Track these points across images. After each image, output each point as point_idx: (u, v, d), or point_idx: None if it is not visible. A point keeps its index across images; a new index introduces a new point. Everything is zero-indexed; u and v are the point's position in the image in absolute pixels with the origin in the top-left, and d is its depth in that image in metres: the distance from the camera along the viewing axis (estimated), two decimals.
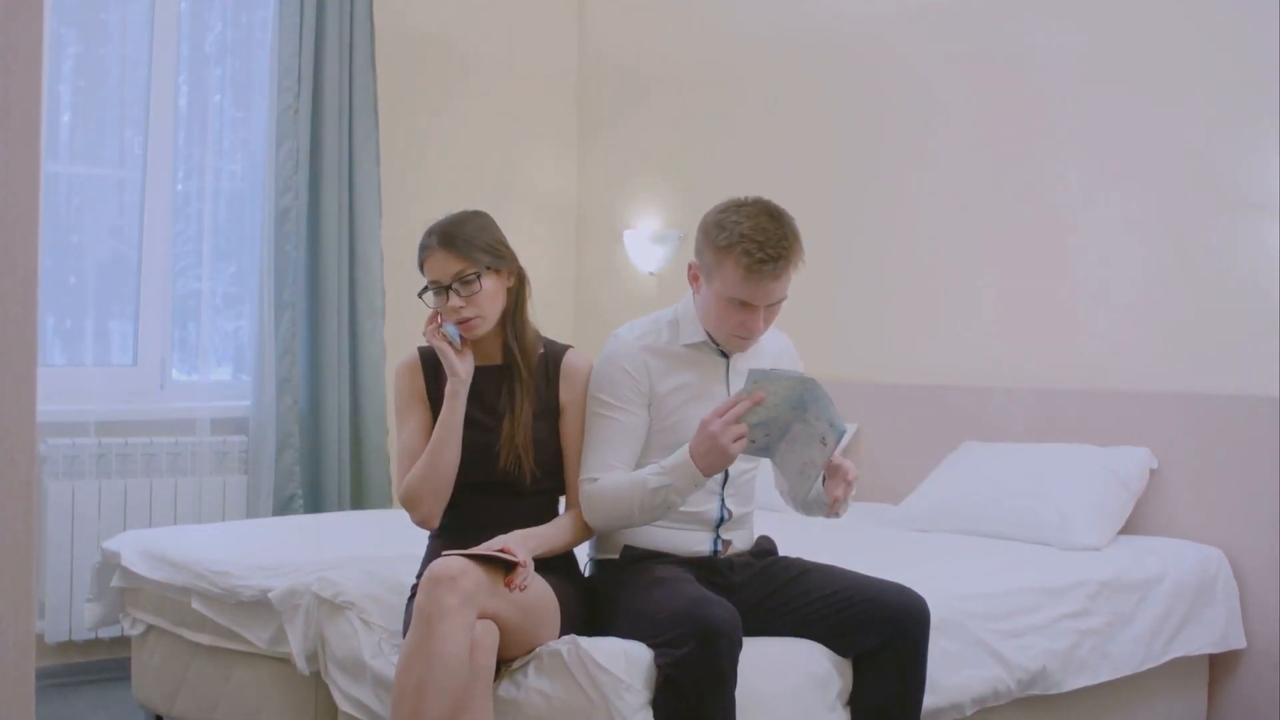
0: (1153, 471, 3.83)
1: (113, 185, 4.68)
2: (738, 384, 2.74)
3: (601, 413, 2.71)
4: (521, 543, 2.51)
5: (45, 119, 4.39)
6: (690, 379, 2.73)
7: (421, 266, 2.73)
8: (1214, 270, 3.82)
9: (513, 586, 2.41)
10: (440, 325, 2.65)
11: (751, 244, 2.56)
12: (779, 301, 2.66)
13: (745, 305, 2.62)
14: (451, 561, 2.37)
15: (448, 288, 2.66)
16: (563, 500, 2.79)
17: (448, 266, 2.68)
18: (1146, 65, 3.97)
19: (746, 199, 2.67)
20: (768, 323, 2.68)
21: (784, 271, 2.60)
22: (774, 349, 2.86)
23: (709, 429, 2.49)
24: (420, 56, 5.28)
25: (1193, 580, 3.55)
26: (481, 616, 2.40)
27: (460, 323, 2.66)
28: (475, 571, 2.38)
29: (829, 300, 4.68)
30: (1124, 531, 3.78)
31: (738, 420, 2.48)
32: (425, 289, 2.71)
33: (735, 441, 2.48)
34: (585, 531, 2.70)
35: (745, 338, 2.68)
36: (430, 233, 2.73)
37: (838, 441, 2.53)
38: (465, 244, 2.68)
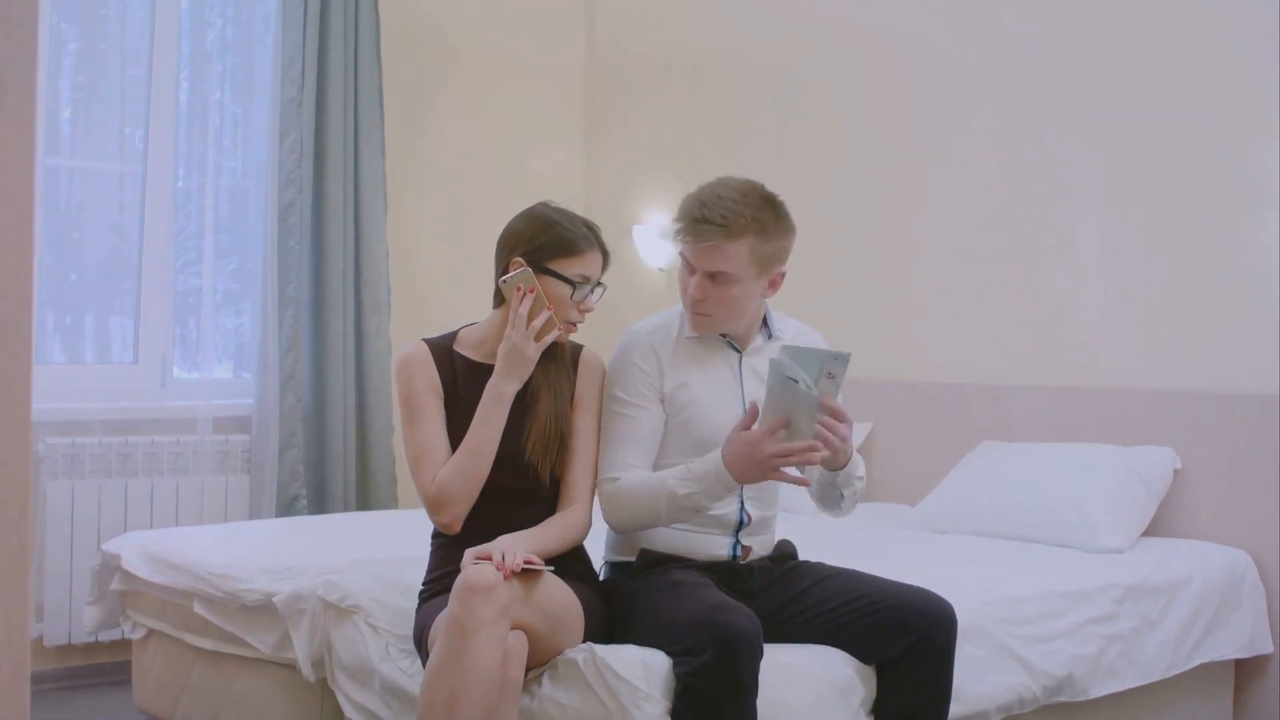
0: (1177, 472, 3.75)
1: (113, 182, 4.62)
2: (750, 380, 2.67)
3: (617, 410, 2.65)
4: (514, 544, 2.41)
5: (45, 115, 4.35)
6: (700, 373, 2.67)
7: (558, 252, 2.58)
8: (1239, 267, 3.74)
9: (508, 577, 2.29)
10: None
11: (690, 202, 2.57)
12: (719, 276, 2.56)
13: (690, 269, 2.59)
14: (486, 571, 2.28)
15: (594, 286, 2.62)
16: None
17: (598, 267, 2.63)
18: (1163, 64, 3.90)
19: (725, 176, 2.65)
20: (710, 298, 2.58)
21: (716, 239, 2.53)
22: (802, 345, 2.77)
23: (764, 449, 2.38)
24: (426, 48, 5.22)
25: (1219, 584, 3.48)
26: (512, 627, 2.31)
27: (571, 324, 2.61)
28: (510, 582, 2.30)
29: (843, 297, 4.62)
30: (1147, 533, 3.70)
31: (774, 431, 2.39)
32: (553, 274, 2.56)
33: (774, 470, 2.41)
34: (578, 534, 2.60)
35: (695, 311, 2.61)
36: (588, 226, 2.64)
37: (833, 380, 2.39)
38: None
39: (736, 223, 2.54)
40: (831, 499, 2.66)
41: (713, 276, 2.57)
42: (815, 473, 2.64)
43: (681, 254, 2.62)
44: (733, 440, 2.45)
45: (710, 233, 2.53)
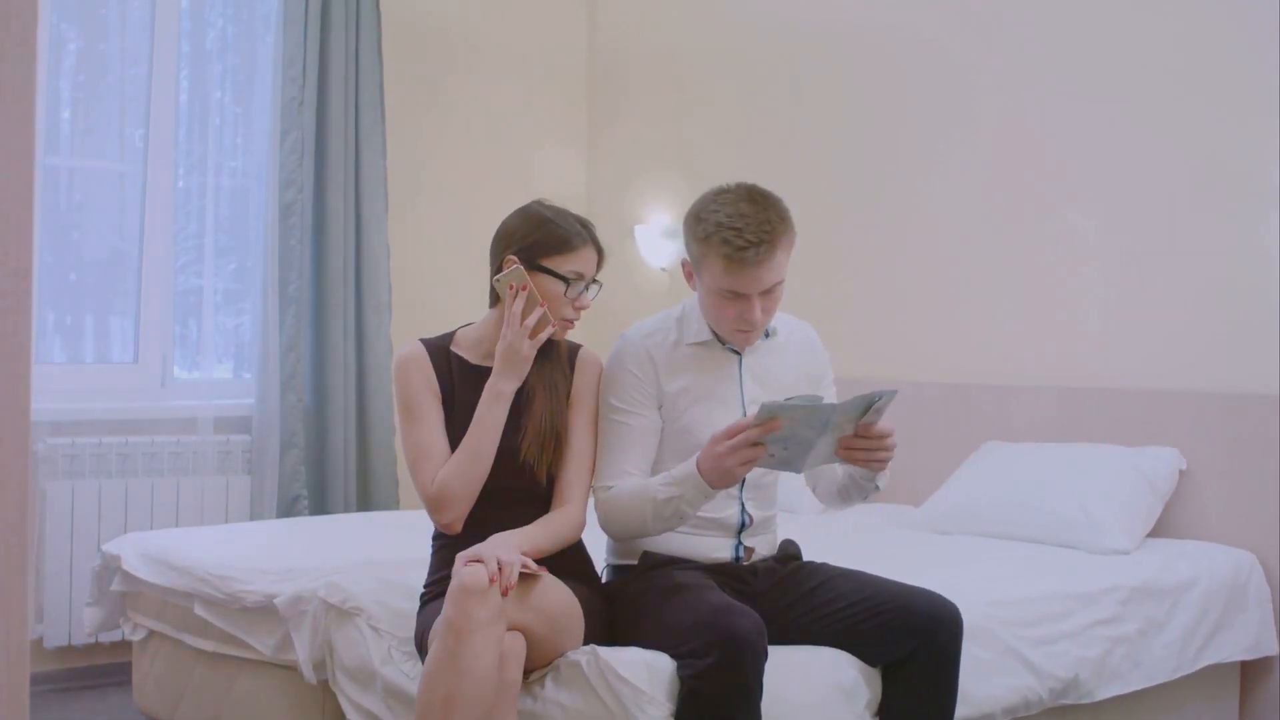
0: (1182, 472, 3.73)
1: (113, 182, 4.61)
2: (751, 384, 2.65)
3: (613, 417, 2.62)
4: (506, 544, 2.38)
5: (46, 115, 4.33)
6: (699, 378, 2.64)
7: (551, 249, 2.55)
8: (1245, 266, 3.72)
9: (505, 593, 2.27)
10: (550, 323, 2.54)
11: (729, 232, 2.47)
12: (774, 287, 2.54)
13: (738, 295, 2.52)
14: (480, 572, 2.26)
15: (589, 283, 2.59)
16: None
17: (592, 264, 2.60)
18: (1163, 64, 3.88)
19: (727, 186, 2.57)
20: (766, 311, 2.56)
21: (768, 256, 2.48)
22: (798, 343, 2.76)
23: (716, 449, 2.38)
24: (427, 47, 5.20)
25: (1224, 585, 3.46)
26: (509, 628, 2.30)
27: (567, 321, 2.58)
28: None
29: (846, 296, 4.60)
30: (1152, 534, 3.68)
31: (750, 444, 2.35)
32: (546, 271, 2.54)
33: (742, 465, 2.38)
34: (572, 532, 2.57)
35: (746, 330, 2.57)
36: (581, 223, 2.60)
37: (879, 413, 2.41)
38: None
39: (776, 228, 2.50)
40: (862, 492, 2.65)
41: (767, 291, 2.54)
42: (849, 470, 2.62)
43: (723, 290, 2.51)
44: (706, 444, 2.43)
45: (761, 251, 2.47)
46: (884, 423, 2.44)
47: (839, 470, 2.69)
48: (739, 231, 2.47)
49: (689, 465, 2.44)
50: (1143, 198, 3.95)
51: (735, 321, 2.56)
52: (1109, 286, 4.02)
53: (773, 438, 2.35)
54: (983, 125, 4.33)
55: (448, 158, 5.25)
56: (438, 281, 5.09)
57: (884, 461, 2.47)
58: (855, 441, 2.43)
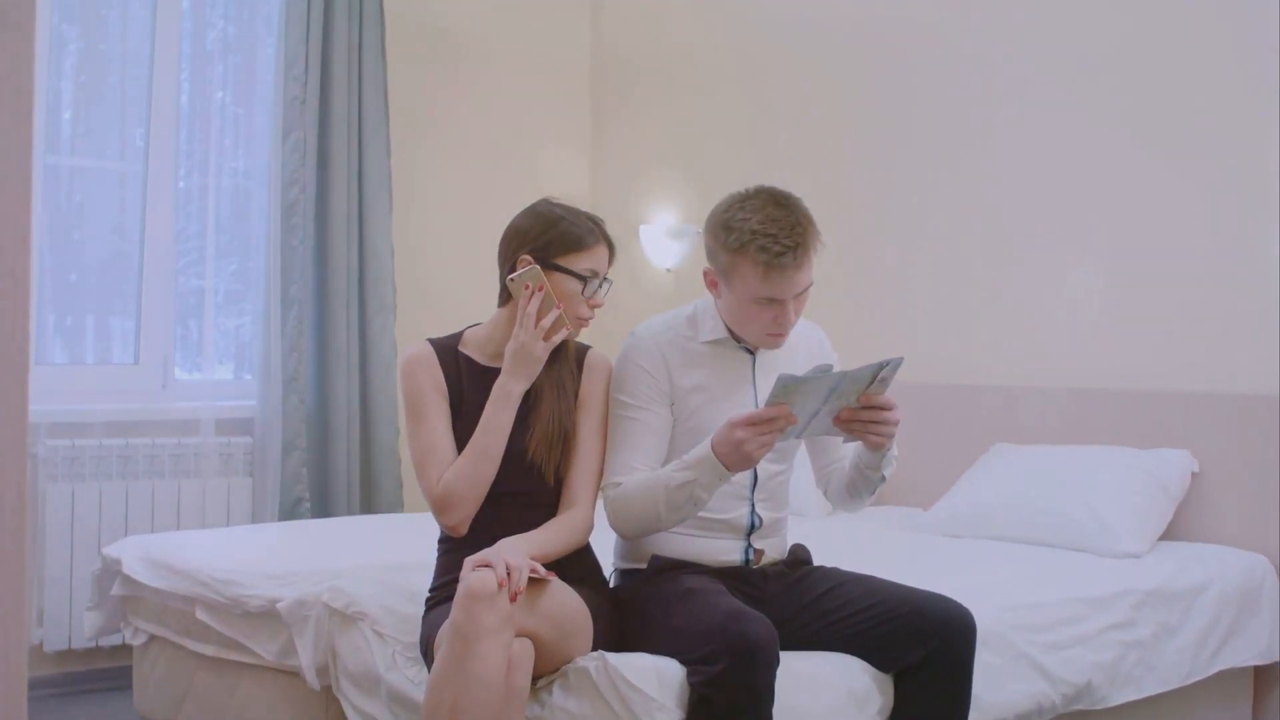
0: (1194, 475, 3.70)
1: (114, 182, 4.58)
2: (764, 384, 2.62)
3: (622, 414, 2.59)
4: (515, 549, 2.34)
5: (47, 115, 4.31)
6: (713, 377, 2.61)
7: (566, 248, 2.52)
8: (1260, 266, 3.69)
9: (514, 599, 2.24)
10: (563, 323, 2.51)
11: (765, 239, 2.44)
12: (805, 289, 2.53)
13: (772, 301, 2.50)
14: (488, 577, 2.23)
15: (603, 280, 2.57)
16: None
17: (605, 261, 2.58)
18: (1165, 65, 3.85)
19: (749, 191, 2.54)
20: (798, 314, 2.56)
21: (804, 259, 2.48)
22: (807, 343, 2.73)
23: (736, 434, 2.35)
24: (431, 45, 5.17)
25: (1237, 589, 3.42)
26: (517, 634, 2.26)
27: (582, 320, 2.56)
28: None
29: (854, 297, 4.56)
30: (1164, 537, 3.64)
31: (768, 420, 2.33)
32: (562, 270, 2.51)
33: (760, 448, 2.36)
34: (580, 535, 2.54)
35: (779, 334, 2.56)
36: (592, 220, 2.58)
37: (884, 383, 2.39)
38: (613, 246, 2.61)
39: (807, 231, 2.49)
40: (869, 483, 2.61)
41: (799, 294, 2.52)
42: (853, 457, 2.59)
43: (758, 298, 2.49)
44: (721, 428, 2.40)
45: (798, 255, 2.46)
46: (887, 397, 2.41)
47: (845, 464, 2.66)
48: (774, 238, 2.45)
49: (703, 448, 2.42)
50: (1149, 198, 3.91)
51: (769, 326, 2.53)
52: (1118, 287, 3.99)
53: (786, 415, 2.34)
54: (990, 126, 4.30)
55: (452, 157, 5.22)
56: (442, 281, 5.06)
57: (884, 436, 2.44)
58: (858, 414, 2.41)
